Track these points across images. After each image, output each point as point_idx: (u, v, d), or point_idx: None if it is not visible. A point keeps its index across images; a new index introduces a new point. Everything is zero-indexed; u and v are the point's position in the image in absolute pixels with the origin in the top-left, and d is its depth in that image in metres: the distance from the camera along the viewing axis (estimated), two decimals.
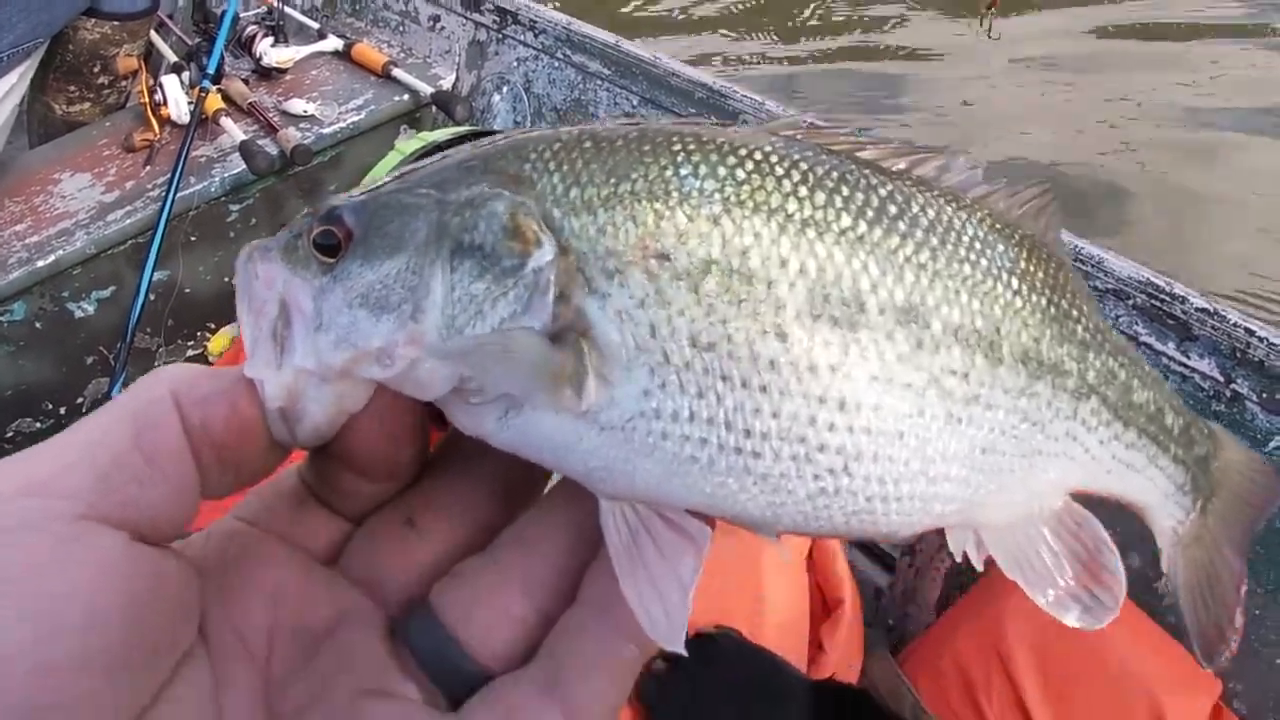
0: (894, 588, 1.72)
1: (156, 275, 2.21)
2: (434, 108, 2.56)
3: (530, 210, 0.43)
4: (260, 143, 2.34)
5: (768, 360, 0.43)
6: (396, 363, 0.42)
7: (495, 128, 2.49)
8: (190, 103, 2.38)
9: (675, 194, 0.44)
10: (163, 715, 0.38)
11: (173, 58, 2.53)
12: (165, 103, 2.39)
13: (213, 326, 2.49)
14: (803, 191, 0.45)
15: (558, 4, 3.12)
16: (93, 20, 2.47)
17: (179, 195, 2.22)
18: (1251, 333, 1.35)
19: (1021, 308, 0.49)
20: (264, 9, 2.73)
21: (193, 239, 2.34)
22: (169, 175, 2.24)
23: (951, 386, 0.46)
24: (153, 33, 2.65)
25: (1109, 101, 4.50)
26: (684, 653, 0.39)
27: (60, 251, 2.16)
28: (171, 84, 2.40)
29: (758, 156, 0.46)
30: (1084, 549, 0.51)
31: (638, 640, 0.41)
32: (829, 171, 0.46)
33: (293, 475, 0.47)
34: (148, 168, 2.36)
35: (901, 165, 0.49)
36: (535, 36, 2.48)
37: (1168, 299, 1.48)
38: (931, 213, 0.48)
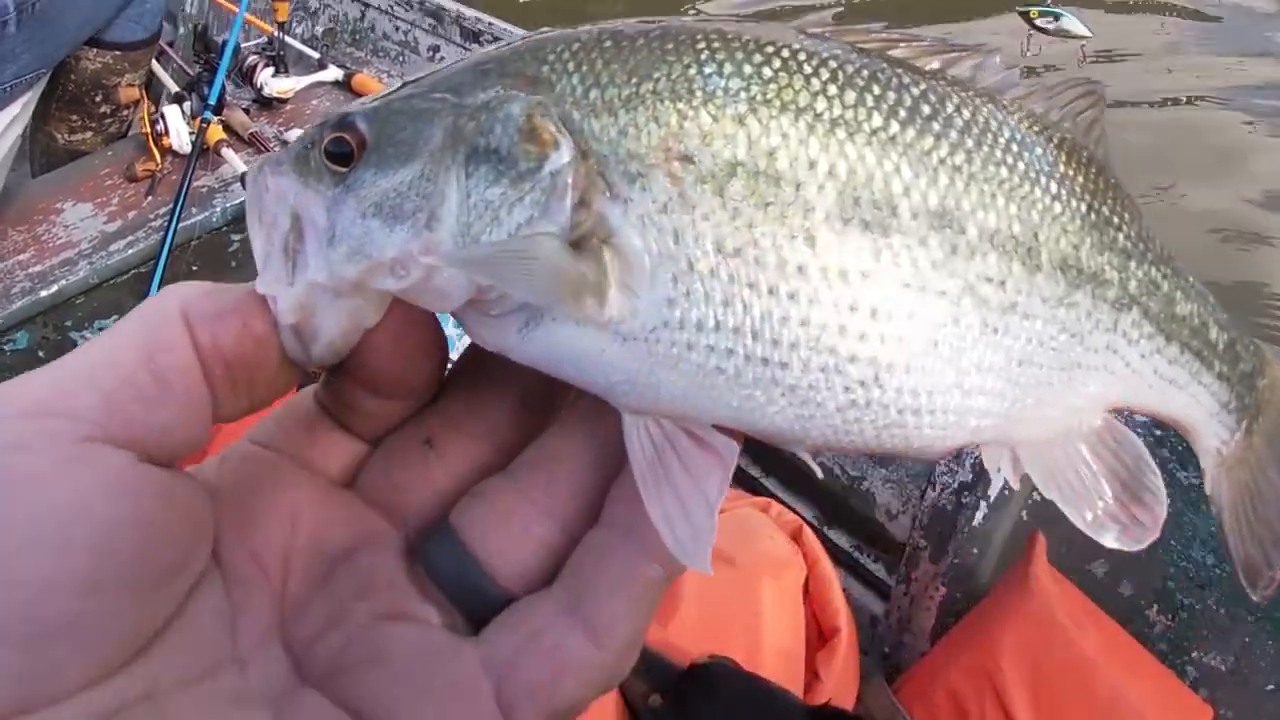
0: (889, 616, 1.73)
1: None
2: None
3: (548, 111, 0.42)
4: None
5: (796, 266, 0.41)
6: (412, 274, 0.40)
7: None
8: (191, 133, 2.39)
9: (699, 93, 0.42)
10: (175, 638, 0.37)
11: (174, 87, 2.55)
12: (167, 132, 2.40)
13: None
14: (832, 90, 0.43)
15: None
16: (94, 50, 2.48)
17: (181, 225, 2.23)
18: None
19: (1060, 213, 0.47)
20: (265, 39, 2.75)
21: (195, 269, 2.35)
22: (171, 205, 2.25)
23: (987, 294, 0.45)
24: (154, 62, 2.66)
25: None
26: (709, 571, 0.38)
27: (63, 281, 2.17)
28: (173, 114, 2.42)
29: (785, 54, 0.44)
30: (1124, 467, 0.49)
31: (663, 561, 0.40)
32: (859, 69, 0.44)
33: (308, 397, 0.46)
34: (150, 197, 2.38)
35: (935, 64, 0.47)
36: None
37: None
38: (966, 113, 0.46)
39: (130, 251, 2.25)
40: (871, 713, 1.43)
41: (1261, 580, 0.57)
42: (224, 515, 0.41)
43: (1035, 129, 0.48)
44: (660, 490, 0.39)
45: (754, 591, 1.32)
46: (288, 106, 2.68)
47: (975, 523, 1.61)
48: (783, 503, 1.53)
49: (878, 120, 0.43)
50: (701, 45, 0.43)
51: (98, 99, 2.58)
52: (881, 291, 0.42)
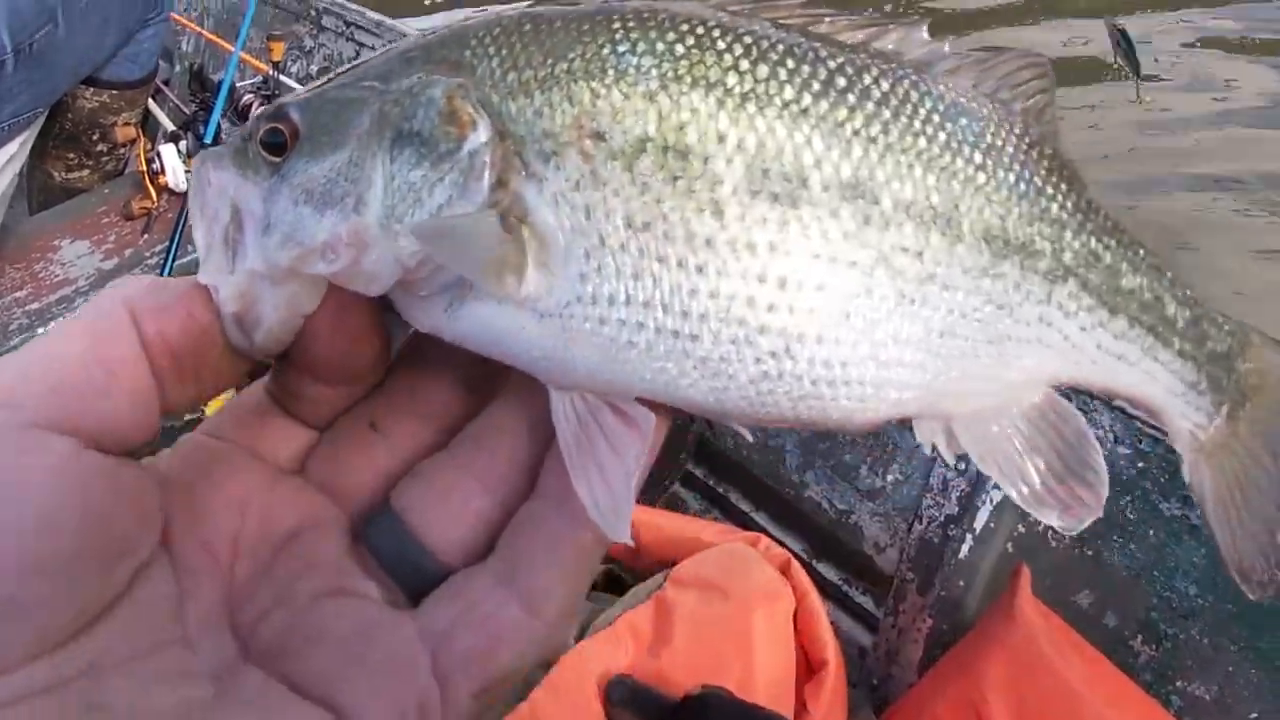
0: (878, 648, 1.74)
1: None
2: None
3: (467, 93, 0.43)
4: None
5: (704, 239, 0.42)
6: (341, 256, 0.41)
7: None
8: (188, 171, 2.41)
9: (612, 72, 0.42)
10: (121, 618, 0.38)
11: (170, 126, 2.58)
12: (163, 171, 2.43)
13: None
14: (744, 65, 0.43)
15: None
16: (91, 89, 2.51)
17: (177, 263, 2.25)
18: None
19: (985, 183, 0.46)
20: (260, 78, 2.78)
21: None
22: (167, 243, 2.27)
23: (903, 265, 0.44)
24: (150, 101, 2.69)
25: None
26: (630, 542, 0.39)
27: (60, 318, 2.19)
28: (169, 153, 2.44)
29: (700, 31, 0.44)
30: (1065, 444, 0.48)
31: (593, 529, 0.40)
32: (774, 44, 0.44)
33: (259, 390, 0.47)
34: (146, 235, 2.40)
35: (858, 37, 0.47)
36: None
37: None
38: (885, 85, 0.45)
39: None
40: None
41: (1255, 577, 0.55)
42: (174, 504, 0.41)
43: (960, 101, 0.47)
44: (584, 462, 0.40)
45: (746, 623, 1.33)
46: None
47: (961, 555, 1.62)
48: (772, 537, 1.54)
49: (790, 94, 0.44)
50: (617, 25, 0.44)
51: (94, 137, 2.61)
52: (790, 263, 0.42)
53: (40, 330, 2.17)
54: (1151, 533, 1.47)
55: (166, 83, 2.84)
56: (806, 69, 0.44)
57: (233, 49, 2.54)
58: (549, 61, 0.43)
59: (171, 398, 0.40)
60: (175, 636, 0.39)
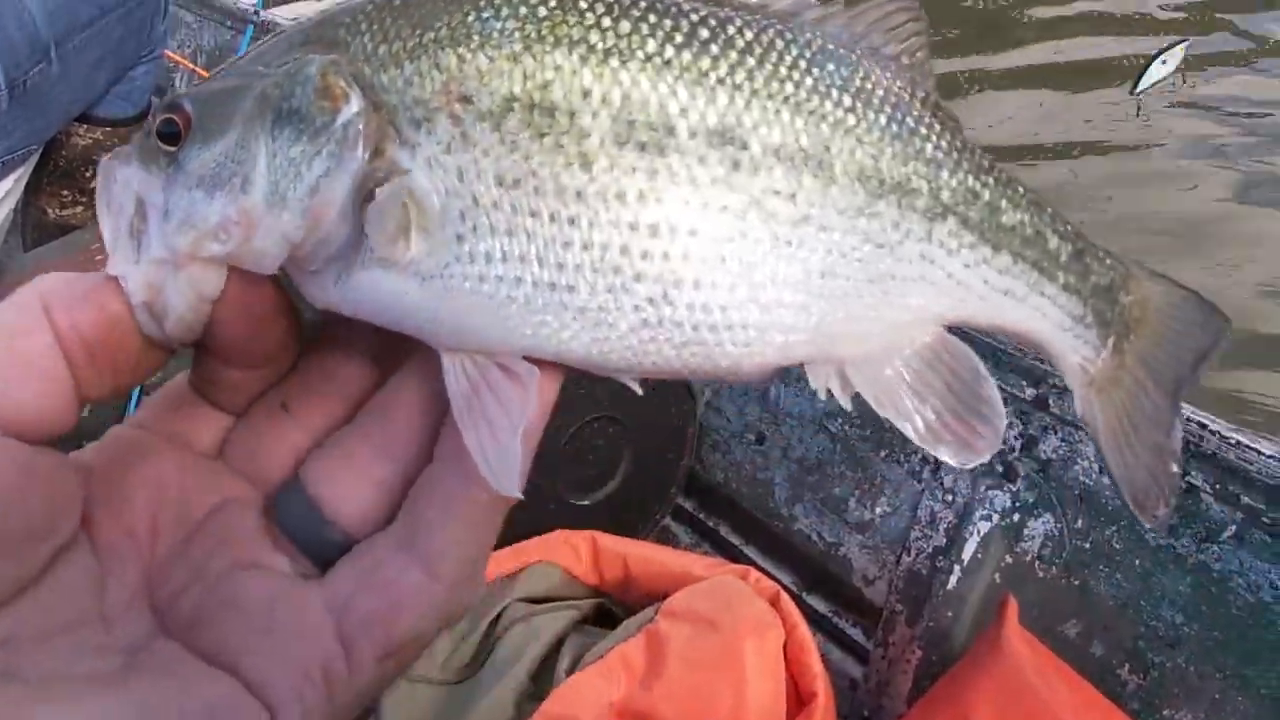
0: (868, 680, 1.75)
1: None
2: None
3: (340, 69, 0.44)
4: None
5: (574, 192, 0.43)
6: (233, 236, 0.42)
7: None
8: None
9: (477, 37, 0.44)
10: (39, 597, 0.39)
11: None
12: None
13: None
14: (606, 23, 0.45)
15: None
16: (85, 126, 2.51)
17: None
18: (1204, 426, 1.41)
19: (855, 125, 0.47)
20: None
21: None
22: None
23: (776, 208, 0.45)
24: None
25: None
26: (519, 496, 0.40)
27: None
28: None
29: None
30: (959, 381, 0.49)
31: (488, 487, 0.41)
32: (636, 2, 0.46)
33: (181, 380, 0.48)
34: None
35: None
36: None
37: None
38: (749, 34, 0.46)
39: None
40: None
41: (1151, 505, 0.56)
42: (98, 490, 0.43)
43: (827, 47, 0.48)
44: (475, 421, 0.41)
45: (737, 654, 1.34)
46: None
47: (949, 586, 1.64)
48: (762, 569, 1.55)
49: (652, 46, 0.45)
50: None
51: (89, 174, 2.61)
52: (662, 210, 0.44)
53: None
54: (1137, 562, 1.48)
55: None
56: (669, 23, 0.45)
57: None
58: (417, 32, 0.44)
59: (89, 388, 0.41)
60: (94, 614, 0.41)
